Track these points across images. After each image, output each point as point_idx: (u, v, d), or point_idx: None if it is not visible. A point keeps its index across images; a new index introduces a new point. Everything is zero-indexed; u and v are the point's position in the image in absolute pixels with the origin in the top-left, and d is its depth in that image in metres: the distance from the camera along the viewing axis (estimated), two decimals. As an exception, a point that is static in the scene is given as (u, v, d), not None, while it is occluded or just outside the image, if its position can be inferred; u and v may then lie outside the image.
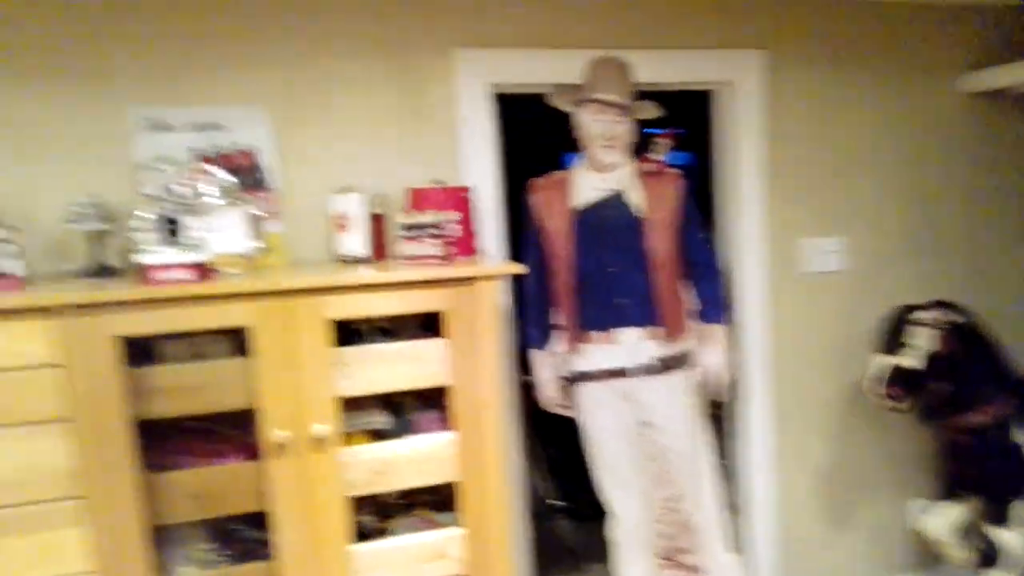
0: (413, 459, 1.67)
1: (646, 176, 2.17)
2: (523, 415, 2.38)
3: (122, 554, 1.44)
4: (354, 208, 1.87)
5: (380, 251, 1.88)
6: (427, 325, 1.76)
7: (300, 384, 1.55)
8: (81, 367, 1.40)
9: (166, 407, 1.51)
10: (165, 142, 1.88)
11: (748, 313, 2.45)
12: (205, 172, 1.73)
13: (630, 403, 2.18)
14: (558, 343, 2.21)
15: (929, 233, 2.58)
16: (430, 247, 1.73)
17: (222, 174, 1.75)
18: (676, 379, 2.19)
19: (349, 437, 1.70)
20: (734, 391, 2.52)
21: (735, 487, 2.59)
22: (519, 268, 1.70)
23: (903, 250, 2.56)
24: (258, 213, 1.82)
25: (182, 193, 1.67)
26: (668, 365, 2.17)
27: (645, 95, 2.16)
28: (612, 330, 2.14)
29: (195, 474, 1.55)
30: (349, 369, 1.60)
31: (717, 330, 2.22)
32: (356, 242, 1.86)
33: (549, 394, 2.24)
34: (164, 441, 1.61)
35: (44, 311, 1.37)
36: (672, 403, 2.19)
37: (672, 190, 2.17)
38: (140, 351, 1.57)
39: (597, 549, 2.41)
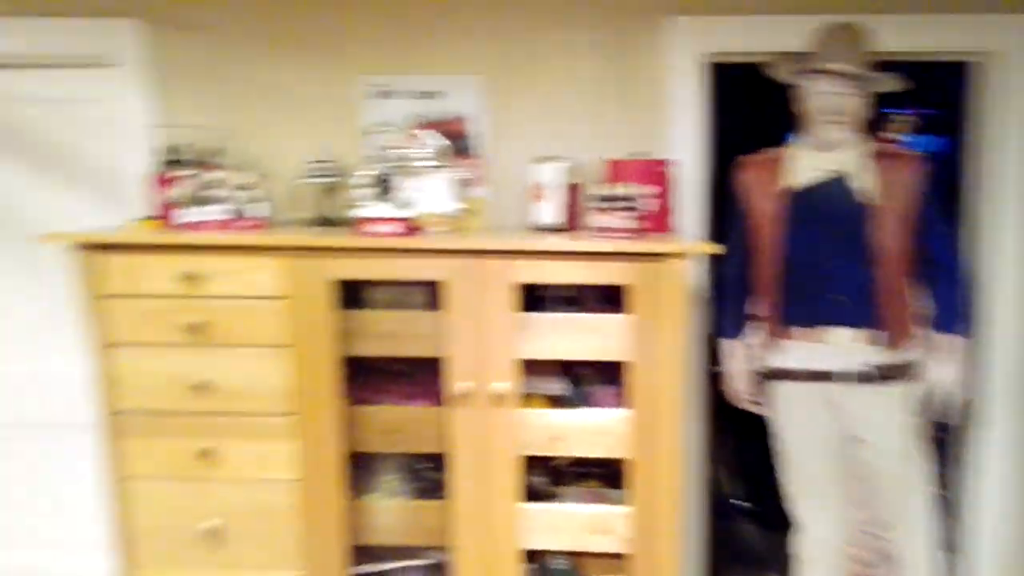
0: (586, 430, 1.66)
1: (879, 158, 1.92)
2: (710, 406, 2.27)
3: (322, 470, 1.63)
4: (551, 177, 1.88)
5: (574, 221, 1.88)
6: (613, 299, 1.73)
7: (485, 341, 1.61)
8: (301, 302, 1.59)
9: (368, 347, 1.66)
10: (388, 108, 2.05)
11: (997, 325, 2.08)
12: (419, 137, 1.86)
13: (835, 411, 1.97)
14: (755, 334, 2.06)
15: None
16: (621, 220, 1.70)
17: (434, 139, 1.86)
18: (894, 391, 1.93)
19: (527, 399, 1.74)
20: (967, 414, 2.16)
21: (955, 523, 2.24)
22: (713, 248, 1.60)
23: None
24: (464, 177, 1.91)
25: (398, 155, 1.80)
26: (885, 374, 1.91)
27: (887, 66, 1.90)
28: (821, 327, 1.94)
29: (388, 411, 1.70)
30: (531, 333, 1.63)
31: (952, 341, 1.91)
32: (550, 211, 1.88)
33: (739, 387, 2.09)
34: (365, 377, 1.77)
35: (277, 250, 1.58)
36: (886, 418, 1.93)
37: (910, 175, 1.89)
38: (350, 295, 1.74)
39: (781, 561, 2.22)
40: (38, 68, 2.12)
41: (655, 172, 1.89)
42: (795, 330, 1.97)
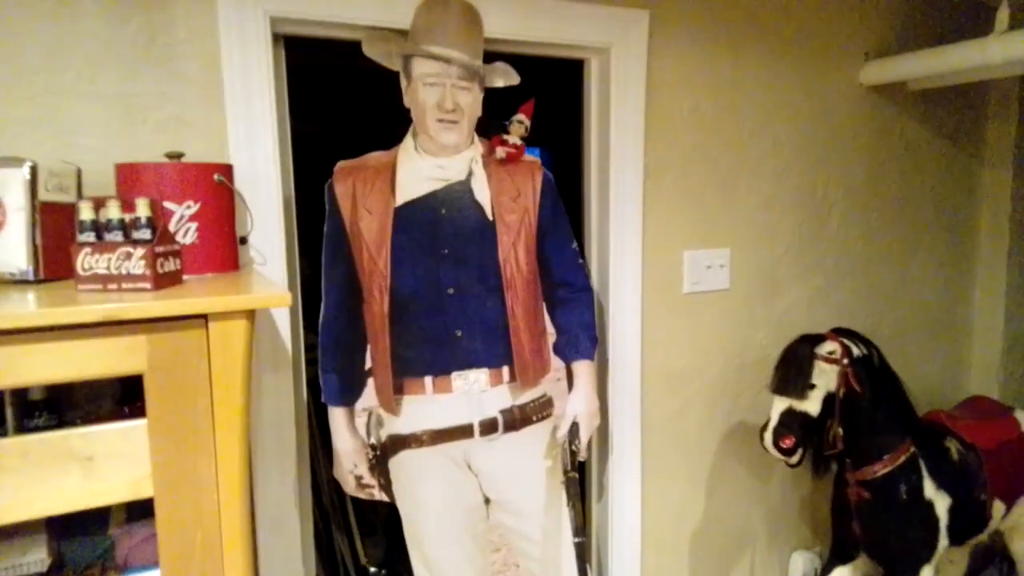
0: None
1: (498, 164, 1.60)
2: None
3: None
4: (13, 194, 1.11)
5: (60, 265, 1.13)
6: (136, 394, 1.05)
7: None
8: None
9: None
10: None
11: (620, 343, 1.93)
12: None
13: (469, 474, 1.60)
14: (371, 396, 1.58)
15: (821, 245, 2.22)
16: (134, 260, 1.03)
17: None
18: (532, 436, 1.64)
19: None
20: (601, 443, 2.01)
21: (597, 557, 2.08)
22: (283, 299, 1.03)
23: (793, 265, 2.17)
24: None
25: None
26: (521, 418, 1.61)
27: (499, 57, 1.58)
28: (447, 374, 1.54)
29: None
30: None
31: (585, 368, 1.69)
32: (14, 250, 1.11)
33: (351, 470, 1.59)
34: None
35: None
36: (526, 469, 1.63)
37: (532, 184, 1.61)
38: None
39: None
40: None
41: (202, 182, 1.24)
42: (418, 381, 1.54)
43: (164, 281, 1.05)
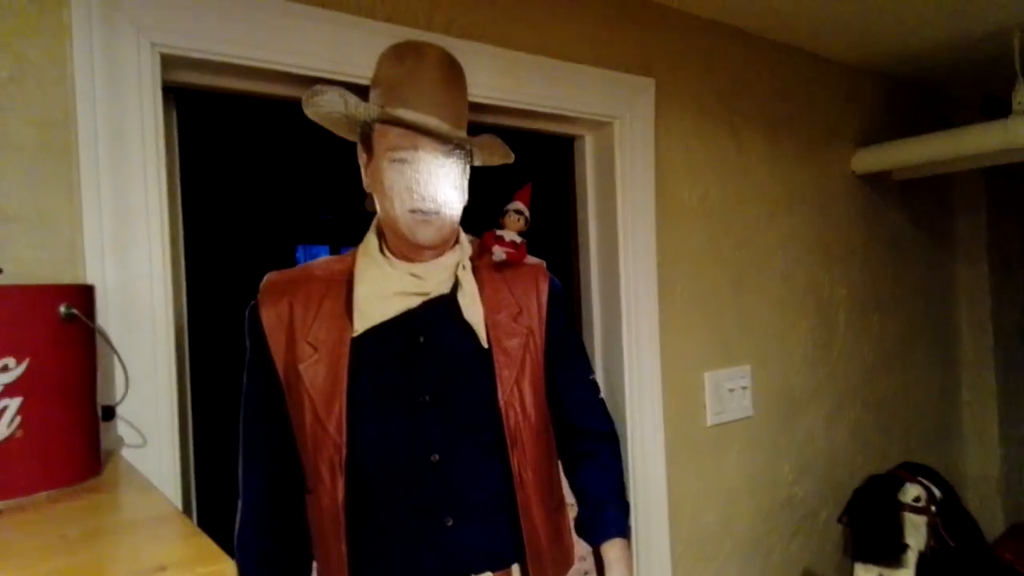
0: None
1: (492, 270, 1.14)
2: None
3: None
4: None
5: None
6: None
7: None
8: None
9: None
10: None
11: (644, 499, 1.45)
12: None
13: None
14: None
15: (833, 353, 1.90)
16: None
17: None
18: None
19: None
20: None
21: None
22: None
23: (809, 379, 1.83)
24: None
25: None
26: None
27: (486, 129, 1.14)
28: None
29: None
30: None
31: (618, 552, 1.19)
32: None
33: None
34: None
35: None
36: None
37: (536, 296, 1.16)
38: None
39: None
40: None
41: (28, 321, 0.68)
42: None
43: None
